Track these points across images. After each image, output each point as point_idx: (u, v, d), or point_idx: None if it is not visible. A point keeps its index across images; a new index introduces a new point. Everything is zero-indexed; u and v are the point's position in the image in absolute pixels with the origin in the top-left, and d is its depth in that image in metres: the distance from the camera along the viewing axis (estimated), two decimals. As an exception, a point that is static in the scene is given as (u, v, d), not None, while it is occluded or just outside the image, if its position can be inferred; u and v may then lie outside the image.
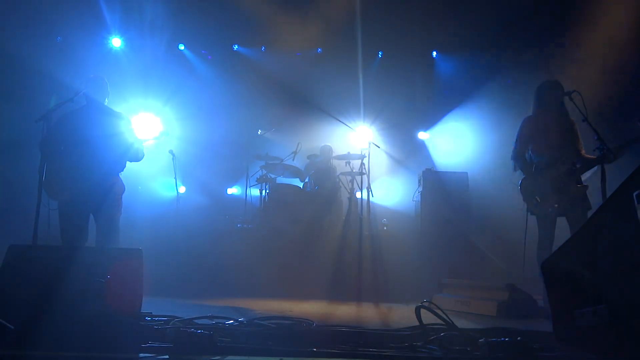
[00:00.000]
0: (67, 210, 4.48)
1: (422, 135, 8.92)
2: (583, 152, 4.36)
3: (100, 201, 4.57)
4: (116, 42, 8.09)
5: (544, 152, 4.40)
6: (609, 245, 1.57)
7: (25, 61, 7.32)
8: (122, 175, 4.75)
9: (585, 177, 4.45)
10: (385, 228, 6.89)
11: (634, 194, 1.38)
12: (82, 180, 4.47)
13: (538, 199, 4.37)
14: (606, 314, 1.55)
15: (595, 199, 4.25)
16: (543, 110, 4.44)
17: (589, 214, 4.23)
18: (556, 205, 4.26)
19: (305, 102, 8.63)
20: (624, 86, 6.28)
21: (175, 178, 6.04)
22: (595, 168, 4.25)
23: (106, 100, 4.73)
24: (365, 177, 7.11)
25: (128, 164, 4.76)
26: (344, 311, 4.32)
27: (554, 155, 4.34)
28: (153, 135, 4.69)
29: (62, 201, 4.50)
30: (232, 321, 2.92)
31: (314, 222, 6.48)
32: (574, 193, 4.24)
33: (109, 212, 4.58)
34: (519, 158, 4.51)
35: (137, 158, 4.76)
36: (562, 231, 4.33)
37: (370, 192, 6.94)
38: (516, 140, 4.55)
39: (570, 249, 1.83)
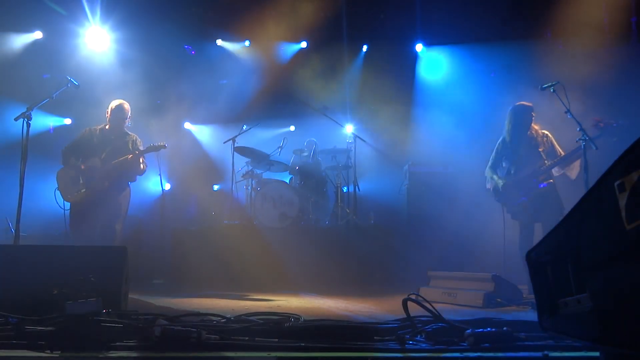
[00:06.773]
0: (77, 215, 5.13)
1: (407, 128, 8.92)
2: (561, 152, 4.98)
3: (105, 211, 5.20)
4: (96, 34, 7.88)
5: (514, 164, 5.16)
6: (592, 235, 1.58)
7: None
8: None
9: (573, 170, 4.77)
10: (372, 221, 6.90)
11: (615, 184, 1.40)
12: (93, 193, 5.13)
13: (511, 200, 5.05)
14: (589, 303, 1.57)
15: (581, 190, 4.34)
16: (515, 130, 5.16)
17: (559, 205, 4.83)
18: (525, 199, 4.95)
19: (290, 96, 8.59)
20: (607, 76, 6.35)
21: (160, 175, 5.96)
22: (582, 160, 4.36)
23: (126, 122, 5.41)
24: (351, 170, 7.13)
25: None
26: (332, 305, 4.33)
27: (522, 166, 5.09)
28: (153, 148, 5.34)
29: (73, 206, 5.16)
30: (219, 318, 2.90)
31: (301, 217, 6.48)
32: (540, 190, 4.87)
33: (109, 221, 5.20)
34: (492, 172, 5.33)
35: (142, 172, 5.43)
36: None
37: (356, 186, 6.95)
38: (492, 155, 5.37)
39: (554, 239, 1.84)
